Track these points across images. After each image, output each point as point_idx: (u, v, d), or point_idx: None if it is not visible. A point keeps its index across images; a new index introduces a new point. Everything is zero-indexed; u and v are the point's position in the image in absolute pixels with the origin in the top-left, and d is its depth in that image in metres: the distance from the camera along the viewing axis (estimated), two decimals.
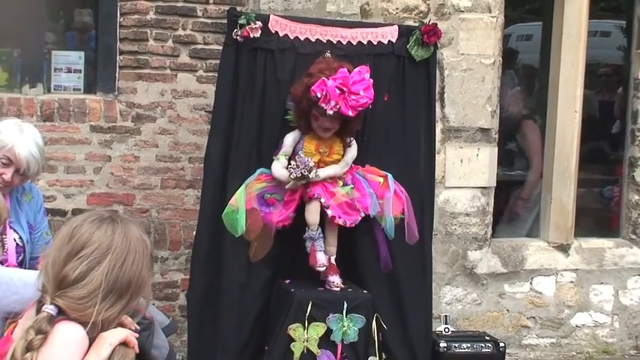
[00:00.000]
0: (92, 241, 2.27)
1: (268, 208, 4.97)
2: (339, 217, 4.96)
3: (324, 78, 4.80)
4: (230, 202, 4.92)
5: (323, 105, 4.79)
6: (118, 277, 2.27)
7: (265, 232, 4.95)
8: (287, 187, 4.93)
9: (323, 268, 5.03)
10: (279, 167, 4.96)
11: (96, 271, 2.25)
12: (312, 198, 4.96)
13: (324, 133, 4.99)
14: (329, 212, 4.96)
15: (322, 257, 5.03)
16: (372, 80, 4.92)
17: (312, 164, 4.88)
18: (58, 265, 2.26)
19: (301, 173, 4.85)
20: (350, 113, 4.83)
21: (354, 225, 5.00)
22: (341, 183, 5.04)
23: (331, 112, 4.80)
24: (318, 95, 4.78)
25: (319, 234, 5.03)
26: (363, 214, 5.00)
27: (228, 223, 4.92)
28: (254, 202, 4.92)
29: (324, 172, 4.96)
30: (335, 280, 5.04)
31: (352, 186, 5.03)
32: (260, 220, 4.92)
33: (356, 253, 5.23)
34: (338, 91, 4.77)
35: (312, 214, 5.01)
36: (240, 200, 4.90)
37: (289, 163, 4.92)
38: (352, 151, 5.08)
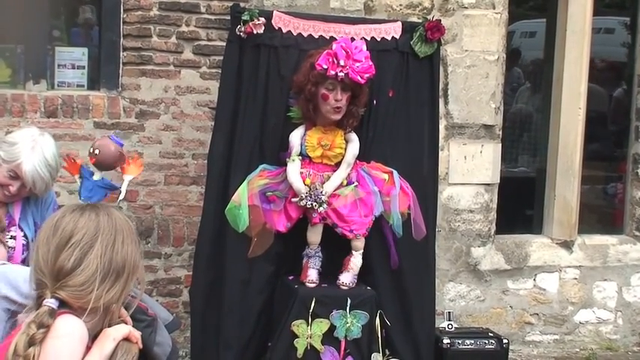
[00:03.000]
0: (79, 228, 2.29)
1: (269, 205, 4.97)
2: (351, 232, 4.96)
3: (327, 50, 4.86)
4: (233, 198, 4.92)
5: (332, 72, 4.80)
6: (112, 257, 2.29)
7: (265, 230, 4.96)
8: (293, 200, 4.94)
9: (313, 285, 5.03)
10: (295, 172, 4.95)
11: (90, 255, 2.27)
12: (317, 223, 4.99)
13: (335, 114, 4.95)
14: (339, 231, 4.97)
15: (313, 274, 5.04)
16: (369, 52, 4.97)
17: (324, 198, 4.89)
18: (50, 259, 2.27)
19: (311, 205, 4.87)
20: (359, 79, 4.85)
21: (367, 233, 5.01)
22: (345, 182, 5.03)
23: (342, 75, 4.80)
24: (325, 66, 4.80)
25: (316, 253, 5.05)
26: (372, 218, 4.99)
27: (231, 218, 4.93)
28: (255, 199, 4.92)
29: (331, 186, 4.95)
30: (344, 279, 5.04)
31: (356, 183, 5.02)
32: (261, 217, 4.92)
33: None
34: (344, 53, 4.81)
35: (315, 235, 5.04)
36: (242, 196, 4.90)
37: (307, 187, 4.93)
38: (353, 149, 5.05)
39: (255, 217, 4.91)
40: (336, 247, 5.07)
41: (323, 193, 4.89)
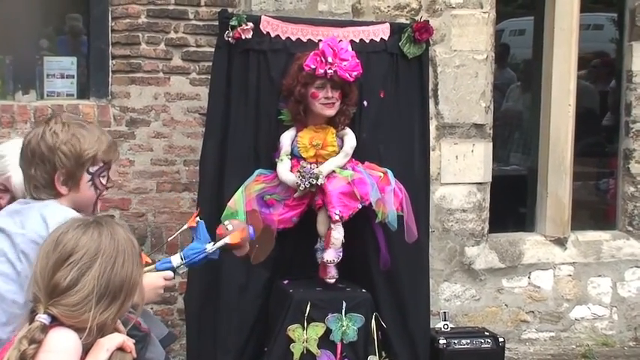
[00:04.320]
0: (80, 247, 2.26)
1: (268, 209, 4.97)
2: (335, 213, 4.92)
3: (314, 51, 4.90)
4: (229, 204, 4.91)
5: (321, 70, 4.81)
6: (109, 279, 2.26)
7: (267, 234, 4.93)
8: (295, 195, 4.94)
9: (333, 280, 5.05)
10: (285, 170, 4.95)
11: (87, 276, 2.24)
12: (321, 207, 4.98)
13: (328, 109, 4.96)
14: (328, 213, 4.96)
15: (332, 270, 5.04)
16: (357, 53, 5.00)
17: (316, 171, 4.89)
18: (47, 275, 2.24)
19: (309, 183, 4.87)
20: (348, 77, 4.87)
21: (349, 217, 4.96)
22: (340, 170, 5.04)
23: (331, 72, 4.82)
24: (313, 66, 4.82)
25: None
26: (360, 205, 4.96)
27: None
28: (254, 204, 4.92)
29: (327, 168, 4.95)
30: (328, 257, 4.98)
31: (353, 172, 5.02)
32: (261, 221, 4.89)
33: (353, 252, 5.22)
34: (332, 50, 4.82)
35: (325, 225, 5.03)
36: (239, 202, 4.90)
37: (297, 172, 4.92)
38: (351, 141, 5.07)
39: (254, 222, 4.87)
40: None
41: (312, 167, 4.91)
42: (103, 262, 2.26)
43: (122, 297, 2.29)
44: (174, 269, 3.34)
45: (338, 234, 4.92)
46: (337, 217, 4.88)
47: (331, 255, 4.95)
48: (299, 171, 4.91)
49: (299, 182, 4.88)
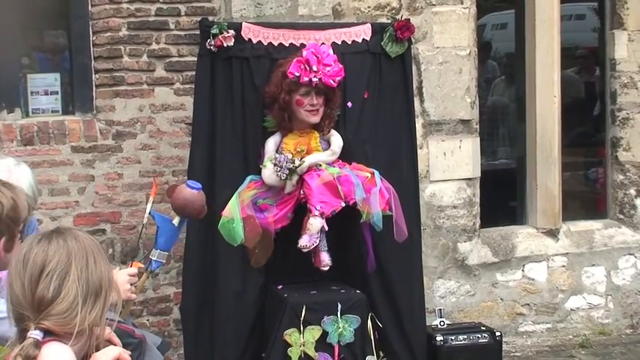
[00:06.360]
0: (50, 257, 2.29)
1: (262, 214, 4.98)
2: (315, 208, 4.91)
3: (296, 58, 4.91)
4: (223, 213, 4.90)
5: (306, 78, 4.82)
6: (88, 279, 2.30)
7: (265, 238, 4.95)
8: (286, 192, 4.95)
9: (327, 268, 5.06)
10: (269, 174, 4.96)
11: (68, 282, 2.27)
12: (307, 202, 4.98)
13: (313, 117, 4.98)
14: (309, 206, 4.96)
15: (326, 257, 5.06)
16: (340, 56, 5.05)
17: (290, 156, 4.91)
18: (28, 292, 2.26)
19: (288, 169, 4.87)
20: (332, 83, 4.90)
21: (331, 214, 4.96)
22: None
23: (316, 80, 4.84)
24: (297, 74, 4.83)
25: (322, 235, 5.03)
26: (343, 204, 4.95)
27: (225, 233, 4.89)
28: (249, 210, 4.92)
29: (310, 160, 4.95)
30: (301, 242, 4.95)
31: (340, 170, 5.02)
32: (258, 226, 4.92)
33: (347, 253, 5.23)
34: (315, 58, 4.84)
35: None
36: (234, 210, 4.90)
37: (274, 166, 4.94)
38: (338, 141, 5.08)
39: (252, 227, 4.90)
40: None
41: (289, 156, 4.92)
42: (78, 265, 2.29)
43: (104, 293, 2.33)
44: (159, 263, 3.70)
45: (314, 220, 4.90)
46: (317, 213, 4.87)
47: (305, 240, 4.91)
48: (275, 163, 4.91)
49: (278, 173, 4.88)
